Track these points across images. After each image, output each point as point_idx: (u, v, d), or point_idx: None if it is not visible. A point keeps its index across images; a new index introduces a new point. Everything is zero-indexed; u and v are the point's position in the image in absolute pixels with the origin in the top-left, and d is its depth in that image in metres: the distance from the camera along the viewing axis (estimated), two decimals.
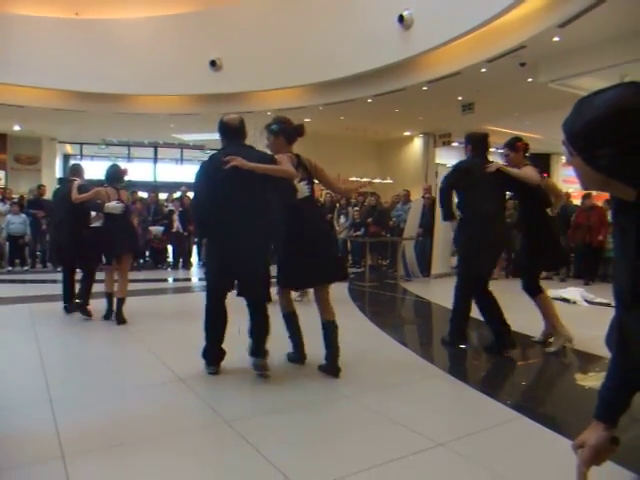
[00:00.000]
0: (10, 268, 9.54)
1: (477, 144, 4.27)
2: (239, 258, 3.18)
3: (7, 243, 9.80)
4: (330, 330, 3.36)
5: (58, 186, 5.87)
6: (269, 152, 3.40)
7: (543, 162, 19.37)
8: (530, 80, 9.89)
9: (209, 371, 3.37)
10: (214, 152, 3.41)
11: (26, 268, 9.65)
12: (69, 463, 2.16)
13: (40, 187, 10.90)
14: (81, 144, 17.61)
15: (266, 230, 3.28)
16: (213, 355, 3.39)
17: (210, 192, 3.20)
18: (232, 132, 3.31)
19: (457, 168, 4.31)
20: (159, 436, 2.48)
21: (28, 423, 2.60)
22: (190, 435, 2.51)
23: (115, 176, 5.17)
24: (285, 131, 3.43)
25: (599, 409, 1.19)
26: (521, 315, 4.59)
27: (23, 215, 9.82)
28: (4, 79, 11.22)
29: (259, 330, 3.33)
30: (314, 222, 3.43)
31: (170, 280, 9.08)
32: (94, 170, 18.15)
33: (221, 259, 3.25)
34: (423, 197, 9.77)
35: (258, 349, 3.32)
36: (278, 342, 3.55)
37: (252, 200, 3.16)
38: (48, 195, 10.95)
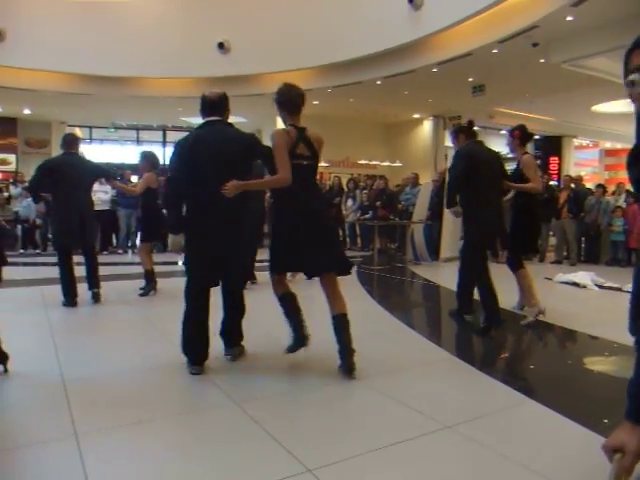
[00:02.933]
0: (22, 251, 9.64)
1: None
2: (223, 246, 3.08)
3: (19, 227, 9.92)
4: (338, 324, 3.13)
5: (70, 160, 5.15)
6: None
7: (554, 144, 19.11)
8: (542, 61, 9.71)
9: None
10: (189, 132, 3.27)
11: (38, 251, 9.74)
12: (82, 441, 2.19)
13: None
14: (90, 127, 17.61)
15: (246, 215, 3.20)
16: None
17: (189, 176, 3.04)
18: (209, 108, 3.15)
19: None
20: (170, 416, 2.51)
21: (42, 403, 2.65)
22: (200, 415, 2.54)
23: (157, 162, 5.85)
24: (282, 103, 3.20)
25: (631, 408, 1.08)
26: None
27: (29, 199, 9.91)
28: (14, 62, 11.21)
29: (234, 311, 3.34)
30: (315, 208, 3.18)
31: (180, 263, 9.12)
32: (103, 153, 18.28)
33: (205, 248, 3.09)
34: (433, 180, 9.70)
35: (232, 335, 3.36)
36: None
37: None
38: None
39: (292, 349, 3.29)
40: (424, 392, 2.85)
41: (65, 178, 4.82)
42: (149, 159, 5.76)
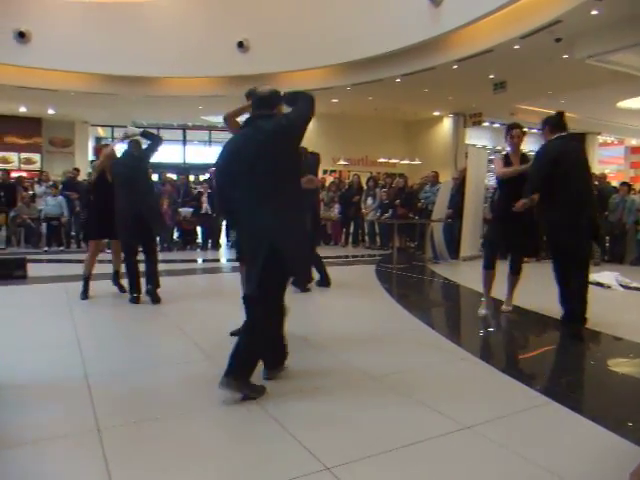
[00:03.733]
0: (47, 248, 9.84)
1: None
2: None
3: (45, 224, 10.14)
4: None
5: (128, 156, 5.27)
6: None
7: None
8: (566, 56, 9.54)
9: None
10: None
11: (61, 248, 9.93)
12: (104, 435, 2.23)
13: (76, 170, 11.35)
14: (112, 127, 17.87)
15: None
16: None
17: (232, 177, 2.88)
18: (255, 103, 2.98)
19: None
20: (189, 412, 2.54)
21: (65, 397, 2.70)
22: (218, 412, 2.56)
23: None
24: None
25: None
26: (547, 297, 4.51)
27: (59, 197, 10.12)
28: (38, 63, 11.44)
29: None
30: None
31: (199, 261, 9.22)
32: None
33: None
34: (453, 178, 9.62)
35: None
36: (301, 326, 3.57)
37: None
38: (81, 177, 11.31)
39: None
40: (443, 392, 2.84)
41: (118, 178, 5.06)
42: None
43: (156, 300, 5.00)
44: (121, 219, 4.99)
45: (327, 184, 12.06)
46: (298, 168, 2.98)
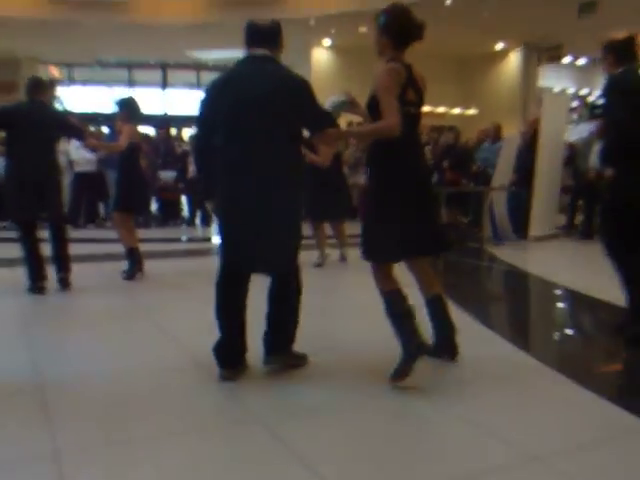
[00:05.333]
0: None
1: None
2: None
3: None
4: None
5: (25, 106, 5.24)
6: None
7: None
8: None
9: (222, 375, 3.11)
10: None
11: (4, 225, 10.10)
12: (64, 461, 2.27)
13: None
14: (70, 66, 17.96)
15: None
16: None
17: (218, 127, 3.08)
18: (253, 38, 3.14)
19: None
20: (173, 433, 2.58)
21: (15, 410, 2.75)
22: (211, 434, 2.59)
23: (137, 111, 5.86)
24: (390, 29, 3.36)
25: None
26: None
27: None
28: None
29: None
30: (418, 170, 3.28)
31: (184, 240, 9.28)
32: (86, 98, 18.38)
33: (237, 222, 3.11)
34: (520, 133, 9.51)
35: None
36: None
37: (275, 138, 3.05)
38: None
39: (401, 372, 3.04)
40: (505, 412, 2.83)
41: (21, 133, 4.97)
42: (128, 106, 5.88)
43: (66, 286, 5.21)
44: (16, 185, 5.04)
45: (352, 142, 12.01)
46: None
